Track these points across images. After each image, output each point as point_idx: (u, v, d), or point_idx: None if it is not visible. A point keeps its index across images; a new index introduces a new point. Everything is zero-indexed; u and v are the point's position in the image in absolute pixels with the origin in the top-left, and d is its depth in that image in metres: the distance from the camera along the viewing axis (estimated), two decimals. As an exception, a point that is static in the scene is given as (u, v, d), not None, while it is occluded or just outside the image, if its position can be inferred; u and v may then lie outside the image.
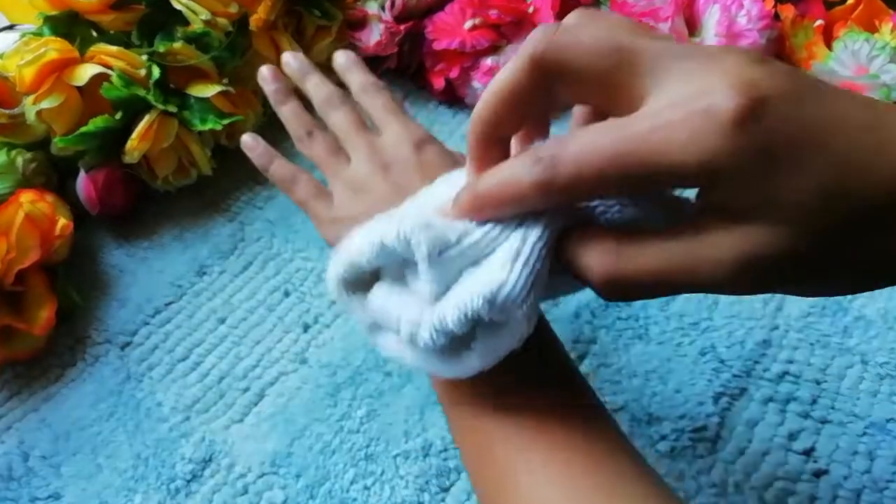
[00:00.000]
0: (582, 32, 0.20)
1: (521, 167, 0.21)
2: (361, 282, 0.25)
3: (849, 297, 0.47)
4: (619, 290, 0.21)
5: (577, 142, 0.20)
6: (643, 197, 0.22)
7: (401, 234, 0.22)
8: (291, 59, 0.40)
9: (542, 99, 0.22)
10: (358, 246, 0.23)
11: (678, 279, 0.20)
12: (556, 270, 0.22)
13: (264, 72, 0.40)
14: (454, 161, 0.36)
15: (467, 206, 0.22)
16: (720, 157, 0.18)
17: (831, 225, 0.19)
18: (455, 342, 0.22)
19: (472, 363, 0.23)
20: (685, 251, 0.20)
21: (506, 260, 0.21)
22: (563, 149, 0.20)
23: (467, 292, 0.21)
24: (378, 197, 0.34)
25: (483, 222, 0.22)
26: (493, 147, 0.23)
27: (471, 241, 0.22)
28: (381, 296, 0.24)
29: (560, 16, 0.56)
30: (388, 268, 0.24)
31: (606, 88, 0.20)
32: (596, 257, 0.21)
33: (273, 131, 0.61)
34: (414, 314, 0.23)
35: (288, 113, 0.39)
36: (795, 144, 0.18)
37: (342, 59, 0.40)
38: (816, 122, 0.18)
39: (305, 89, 0.39)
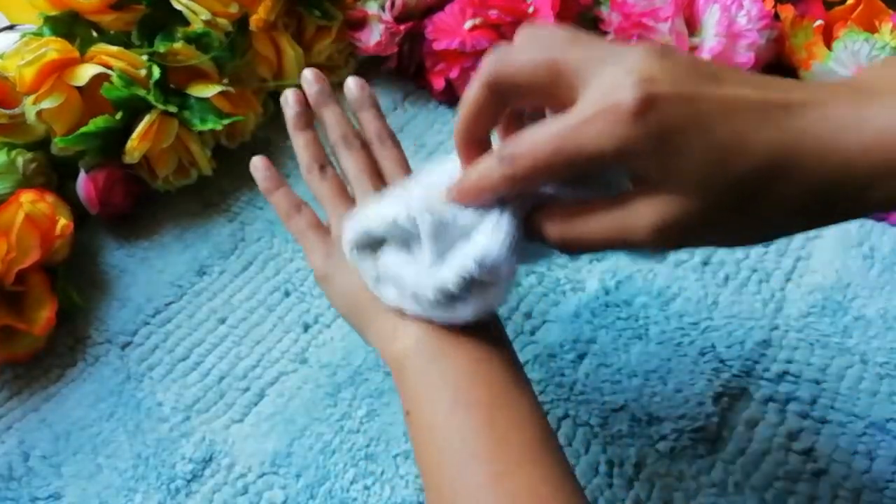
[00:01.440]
0: (522, 55, 0.25)
1: (490, 165, 0.26)
2: (369, 244, 0.30)
3: (848, 296, 0.47)
4: (571, 249, 0.27)
5: (528, 141, 0.25)
6: (590, 177, 0.27)
7: (410, 215, 0.27)
8: (312, 81, 0.39)
9: (502, 108, 0.27)
10: (373, 218, 0.29)
11: (614, 241, 0.25)
12: (528, 242, 0.28)
13: (288, 95, 0.38)
14: None
15: (457, 195, 0.28)
16: (627, 143, 0.22)
17: (720, 194, 0.23)
18: (451, 299, 0.28)
19: (465, 314, 0.28)
20: (617, 219, 0.25)
21: (488, 231, 0.27)
22: (518, 147, 0.25)
23: (462, 259, 0.27)
24: None
25: (470, 205, 0.28)
26: (475, 145, 0.28)
27: (462, 222, 0.27)
28: (391, 258, 0.29)
29: (560, 16, 0.57)
30: (395, 236, 0.29)
31: (548, 96, 0.25)
32: (551, 226, 0.27)
33: (273, 131, 0.62)
34: (418, 277, 0.28)
35: (303, 141, 0.38)
36: (684, 130, 0.22)
37: (356, 91, 0.39)
38: (703, 111, 0.22)
39: (321, 116, 0.39)
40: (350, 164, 0.37)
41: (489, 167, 0.26)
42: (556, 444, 0.28)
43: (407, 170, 0.38)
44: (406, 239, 0.29)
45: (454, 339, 0.30)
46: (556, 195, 0.28)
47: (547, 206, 0.27)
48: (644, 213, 0.24)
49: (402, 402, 0.31)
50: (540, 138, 0.24)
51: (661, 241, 0.24)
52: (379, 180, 0.37)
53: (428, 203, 0.28)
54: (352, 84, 0.39)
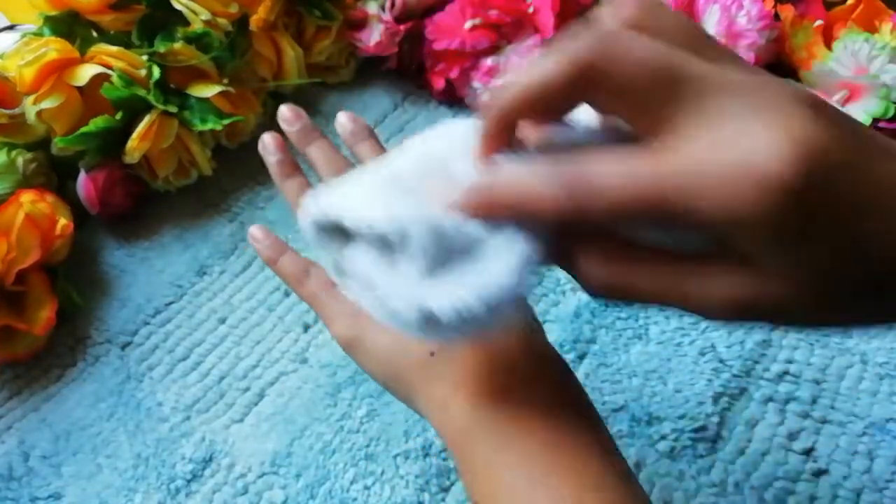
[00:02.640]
0: (636, 45, 0.19)
1: (542, 184, 0.20)
2: (335, 228, 0.24)
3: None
4: (610, 296, 0.21)
5: (607, 171, 0.19)
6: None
7: (399, 226, 0.21)
8: (291, 119, 0.35)
9: (574, 99, 0.21)
10: (345, 211, 0.23)
11: (670, 300, 0.21)
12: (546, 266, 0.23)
13: (266, 141, 0.35)
14: None
15: (476, 206, 0.21)
16: (755, 219, 0.17)
17: (833, 288, 0.18)
18: (434, 324, 0.22)
19: (442, 339, 0.22)
20: (682, 280, 0.20)
21: (504, 258, 0.21)
22: (590, 175, 0.19)
23: (460, 287, 0.21)
24: None
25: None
26: (507, 130, 0.22)
27: (470, 236, 0.21)
28: (362, 258, 0.23)
29: (560, 16, 0.56)
30: (371, 236, 0.23)
31: (644, 107, 0.19)
32: (596, 265, 0.21)
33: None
34: (396, 288, 0.22)
35: (293, 190, 0.34)
36: (834, 217, 0.17)
37: (350, 124, 0.35)
38: (864, 195, 0.17)
39: (309, 158, 0.35)
40: None
41: (535, 185, 0.20)
42: None
43: None
44: (384, 240, 0.23)
45: (524, 409, 0.25)
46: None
47: (593, 239, 0.21)
48: (720, 284, 0.20)
49: (465, 487, 0.26)
50: (624, 173, 0.19)
51: (729, 315, 0.20)
52: None
53: (426, 216, 0.21)
54: (343, 119, 0.35)
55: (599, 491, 0.23)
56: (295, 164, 0.35)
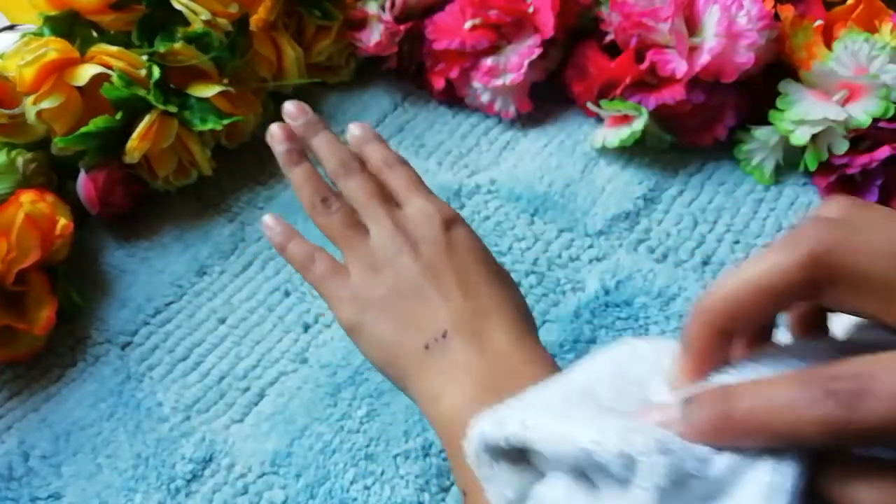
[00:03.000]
0: (874, 234, 0.17)
1: (800, 396, 0.16)
2: (513, 452, 0.20)
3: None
4: None
5: (890, 375, 0.16)
6: None
7: (625, 451, 0.17)
8: (296, 114, 0.37)
9: (802, 298, 0.18)
10: (539, 433, 0.19)
11: None
12: None
13: (274, 130, 0.37)
14: (483, 246, 0.34)
15: (713, 430, 0.18)
16: None
17: None
18: None
19: None
20: None
21: (757, 499, 0.17)
22: (872, 383, 0.16)
23: None
24: (404, 278, 0.31)
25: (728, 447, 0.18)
26: (721, 341, 0.19)
27: (715, 475, 0.17)
28: (560, 496, 0.19)
29: (560, 16, 0.56)
30: (577, 466, 0.19)
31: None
32: (875, 496, 0.17)
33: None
34: None
35: (300, 176, 0.36)
36: None
37: (358, 131, 0.37)
38: None
39: (314, 148, 0.37)
40: (356, 190, 0.35)
41: (796, 400, 0.17)
42: None
43: (423, 191, 0.35)
44: (593, 473, 0.18)
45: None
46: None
47: (853, 461, 0.17)
48: None
49: (455, 479, 0.26)
50: None
51: None
52: (392, 204, 0.34)
53: (662, 440, 0.17)
54: (353, 127, 0.38)
55: None
56: (302, 152, 0.37)
